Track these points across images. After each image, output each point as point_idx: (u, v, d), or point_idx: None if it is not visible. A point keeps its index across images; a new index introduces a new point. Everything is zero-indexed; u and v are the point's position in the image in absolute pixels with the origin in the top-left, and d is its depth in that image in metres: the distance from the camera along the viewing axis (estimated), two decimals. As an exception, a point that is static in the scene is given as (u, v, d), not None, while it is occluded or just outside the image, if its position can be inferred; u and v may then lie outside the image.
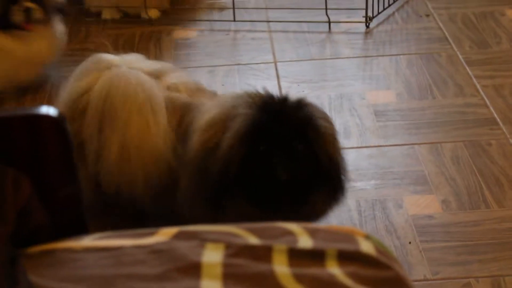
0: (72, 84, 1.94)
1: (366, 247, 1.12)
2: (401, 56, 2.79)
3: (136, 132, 1.80)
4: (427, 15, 3.05)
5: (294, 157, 1.65)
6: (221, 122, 1.69)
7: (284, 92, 2.18)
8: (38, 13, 2.56)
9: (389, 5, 3.07)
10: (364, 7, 2.95)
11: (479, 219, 2.00)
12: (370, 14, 2.98)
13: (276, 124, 1.65)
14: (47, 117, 1.18)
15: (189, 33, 3.04)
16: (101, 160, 1.82)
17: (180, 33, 3.03)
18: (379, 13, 3.02)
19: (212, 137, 1.68)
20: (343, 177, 1.73)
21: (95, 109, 1.84)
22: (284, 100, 1.70)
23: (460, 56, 2.76)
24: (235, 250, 1.06)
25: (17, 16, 2.54)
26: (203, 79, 2.64)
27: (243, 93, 1.75)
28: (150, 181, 1.78)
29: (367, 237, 1.17)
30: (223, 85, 2.65)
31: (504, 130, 2.35)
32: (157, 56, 2.84)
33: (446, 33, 2.92)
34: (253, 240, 1.10)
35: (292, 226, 1.15)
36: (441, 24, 2.98)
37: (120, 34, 3.02)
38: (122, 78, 1.83)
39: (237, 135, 1.64)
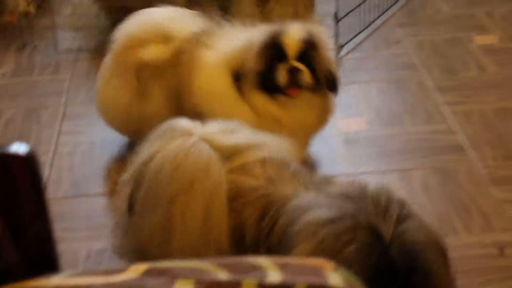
0: (142, 151, 1.77)
1: (335, 280, 1.13)
2: (372, 83, 2.83)
3: (180, 220, 1.63)
4: (397, 42, 3.10)
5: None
6: (329, 251, 1.46)
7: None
8: (307, 77, 2.17)
9: (359, 33, 3.11)
10: (334, 35, 2.99)
11: (449, 246, 2.03)
12: (340, 42, 3.01)
13: (391, 261, 1.45)
14: (17, 156, 1.19)
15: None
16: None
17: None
18: (349, 40, 3.06)
19: None
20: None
21: (148, 182, 1.68)
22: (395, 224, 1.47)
23: (430, 83, 2.80)
24: (205, 286, 1.07)
25: (282, 77, 2.16)
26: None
27: (346, 206, 1.51)
28: None
29: (337, 269, 1.18)
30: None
31: (473, 156, 2.38)
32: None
33: (416, 60, 2.96)
34: (223, 275, 1.11)
35: (262, 260, 1.16)
36: (410, 51, 3.03)
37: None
38: (181, 153, 1.66)
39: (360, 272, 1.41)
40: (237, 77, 2.21)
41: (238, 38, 2.25)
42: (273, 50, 2.16)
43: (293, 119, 2.22)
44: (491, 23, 3.21)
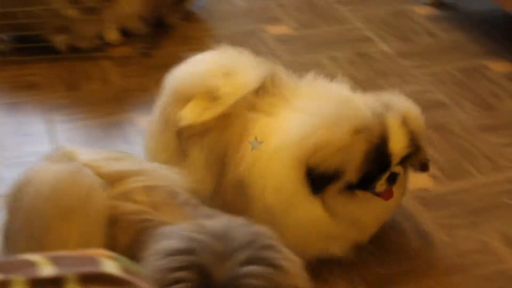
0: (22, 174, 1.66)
1: (110, 267, 1.14)
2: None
3: (54, 241, 1.55)
4: (196, 38, 3.14)
5: None
6: (159, 284, 1.37)
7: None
8: (401, 176, 1.89)
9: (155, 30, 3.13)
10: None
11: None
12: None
13: None
14: None
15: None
16: None
17: None
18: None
19: None
20: None
21: (25, 207, 1.59)
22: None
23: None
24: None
25: (380, 186, 1.84)
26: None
27: (199, 241, 1.40)
28: None
29: (114, 258, 1.19)
30: None
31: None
32: None
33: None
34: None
35: (35, 257, 1.15)
36: (208, 46, 3.07)
37: None
38: (62, 177, 1.58)
39: None
40: (316, 178, 1.80)
41: (315, 119, 1.83)
42: (378, 161, 1.81)
43: (375, 215, 1.93)
44: (283, 14, 3.32)
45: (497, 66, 2.95)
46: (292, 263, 1.43)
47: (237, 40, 3.10)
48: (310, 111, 1.84)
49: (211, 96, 1.93)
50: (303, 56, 2.99)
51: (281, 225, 1.79)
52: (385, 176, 1.82)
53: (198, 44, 3.09)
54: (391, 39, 3.13)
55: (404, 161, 1.85)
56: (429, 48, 3.08)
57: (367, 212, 1.89)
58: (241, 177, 1.88)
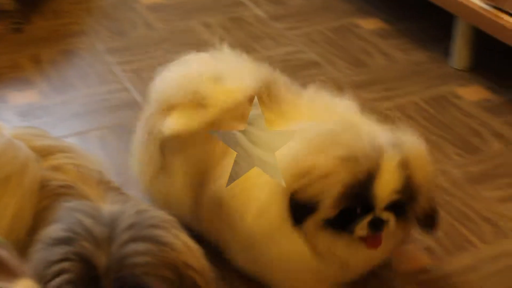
0: None
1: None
2: (43, 55, 2.78)
3: None
4: (66, 12, 3.08)
5: None
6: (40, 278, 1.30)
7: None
8: (391, 226, 1.64)
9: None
10: None
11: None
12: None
13: None
14: None
15: None
16: None
17: None
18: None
19: None
20: None
21: None
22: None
23: (100, 46, 2.83)
24: None
25: (360, 230, 1.61)
26: None
27: (82, 227, 1.35)
28: None
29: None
30: None
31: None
32: None
33: (84, 27, 2.98)
34: None
35: None
36: (80, 20, 3.04)
37: None
38: None
39: None
40: (295, 207, 1.63)
41: (305, 144, 1.63)
42: (358, 199, 1.59)
43: (362, 259, 1.71)
44: (155, -18, 3.31)
45: (367, 24, 3.03)
46: (184, 243, 1.38)
47: (107, 11, 3.08)
48: (303, 136, 1.65)
49: (198, 104, 1.76)
50: (176, 23, 2.99)
51: (264, 256, 1.71)
52: (367, 219, 1.61)
53: (70, 18, 3.04)
54: (263, 2, 3.16)
55: (396, 208, 1.63)
56: (301, 9, 3.13)
57: (353, 255, 1.69)
58: (219, 195, 1.72)
